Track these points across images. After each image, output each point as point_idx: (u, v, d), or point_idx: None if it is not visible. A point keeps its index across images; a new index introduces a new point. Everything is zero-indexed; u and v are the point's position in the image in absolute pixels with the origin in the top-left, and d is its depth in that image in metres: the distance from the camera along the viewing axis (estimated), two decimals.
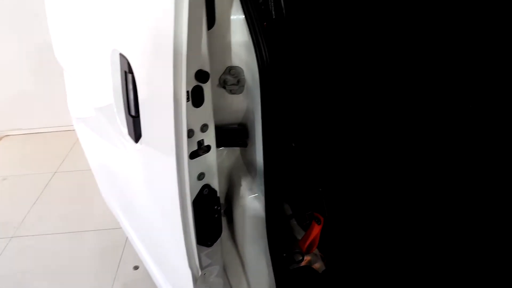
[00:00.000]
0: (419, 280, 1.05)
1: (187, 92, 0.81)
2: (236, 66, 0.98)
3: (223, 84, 1.00)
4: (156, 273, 1.28)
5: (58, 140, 3.38)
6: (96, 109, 1.21)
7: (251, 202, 1.12)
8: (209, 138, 0.90)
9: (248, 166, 1.12)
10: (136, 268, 2.05)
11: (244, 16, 0.93)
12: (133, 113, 0.94)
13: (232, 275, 1.19)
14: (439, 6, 1.17)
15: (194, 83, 0.83)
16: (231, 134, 1.09)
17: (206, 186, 0.92)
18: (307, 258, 1.15)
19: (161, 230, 1.04)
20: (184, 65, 0.78)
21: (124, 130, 1.01)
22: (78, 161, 2.97)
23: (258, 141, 1.04)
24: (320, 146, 1.05)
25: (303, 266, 1.16)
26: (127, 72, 0.89)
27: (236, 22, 0.94)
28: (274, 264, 1.11)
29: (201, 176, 0.91)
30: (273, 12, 0.97)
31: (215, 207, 0.95)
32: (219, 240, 1.02)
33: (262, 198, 1.08)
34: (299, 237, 1.19)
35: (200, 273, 1.00)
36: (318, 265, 1.16)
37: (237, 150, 1.15)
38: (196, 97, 0.84)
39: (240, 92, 1.01)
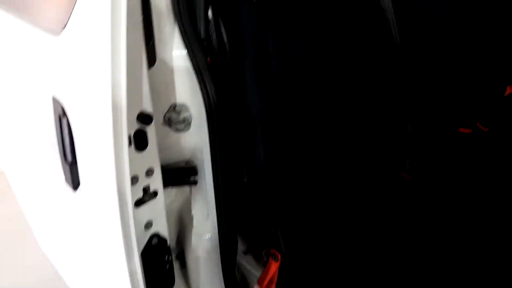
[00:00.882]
0: None
1: (129, 136, 0.76)
2: (181, 103, 0.94)
3: (168, 122, 0.95)
4: None
5: None
6: (31, 154, 1.11)
7: (204, 243, 1.06)
8: (156, 182, 0.84)
9: (200, 205, 1.07)
10: None
11: (186, 52, 0.89)
12: (69, 159, 0.86)
13: None
14: None
15: (136, 126, 0.77)
16: (180, 173, 1.04)
17: (155, 235, 0.86)
18: None
19: (106, 285, 0.96)
20: (124, 108, 0.72)
21: (62, 177, 0.93)
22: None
23: (208, 179, 0.99)
24: (275, 182, 1.02)
25: None
26: (62, 116, 0.82)
27: (179, 58, 0.90)
28: None
29: (148, 225, 0.84)
30: (216, 47, 0.94)
31: (166, 257, 0.88)
32: None
33: (216, 238, 1.03)
34: (258, 275, 1.14)
35: None
36: None
37: (187, 189, 1.09)
38: (139, 141, 0.79)
39: (187, 130, 0.97)
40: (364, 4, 1.17)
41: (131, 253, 0.80)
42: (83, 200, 0.88)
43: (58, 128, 0.84)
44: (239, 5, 0.94)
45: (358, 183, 1.18)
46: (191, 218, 1.09)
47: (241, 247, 1.24)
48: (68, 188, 0.93)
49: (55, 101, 0.83)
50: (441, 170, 1.35)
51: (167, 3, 0.87)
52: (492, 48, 1.65)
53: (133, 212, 0.79)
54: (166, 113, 0.94)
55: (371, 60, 1.18)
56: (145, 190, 0.82)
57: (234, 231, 1.07)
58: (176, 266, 1.05)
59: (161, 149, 0.88)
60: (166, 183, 0.94)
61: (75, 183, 0.89)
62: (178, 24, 0.88)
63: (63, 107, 0.81)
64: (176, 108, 0.95)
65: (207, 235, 1.06)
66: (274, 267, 1.05)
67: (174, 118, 0.95)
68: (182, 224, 1.11)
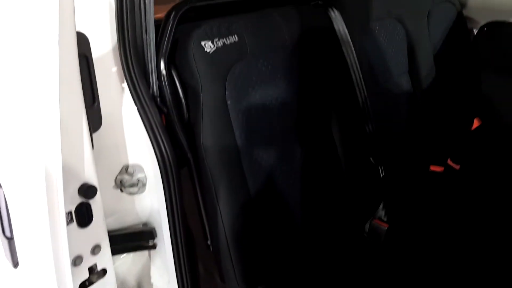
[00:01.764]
0: None
1: (69, 212, 0.67)
2: (134, 164, 0.87)
3: (120, 185, 0.87)
4: None
5: None
6: None
7: None
8: (104, 260, 0.75)
9: (160, 271, 0.98)
10: None
11: (137, 110, 0.83)
12: (8, 234, 0.76)
13: None
14: None
15: (78, 200, 0.69)
16: (137, 237, 0.95)
17: None
18: None
19: None
20: (59, 184, 0.64)
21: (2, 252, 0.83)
22: None
23: (167, 242, 0.91)
24: (243, 242, 0.95)
25: None
26: None
27: (129, 117, 0.83)
28: None
29: None
30: (171, 104, 0.88)
31: None
32: None
33: None
34: None
35: None
36: None
37: (145, 253, 1.00)
38: (82, 216, 0.70)
39: (142, 191, 0.89)
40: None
41: None
42: (24, 281, 0.78)
43: None
44: (194, 57, 0.88)
45: (327, 237, 1.11)
46: (151, 286, 0.99)
47: None
48: (9, 264, 0.83)
49: None
50: (415, 213, 1.31)
51: (113, 58, 0.81)
52: (457, 82, 1.66)
53: None
54: (117, 175, 0.87)
55: (338, 106, 1.14)
56: (91, 269, 0.73)
57: None
58: None
59: (114, 213, 0.80)
60: (122, 250, 0.86)
61: (14, 261, 0.79)
62: (127, 81, 0.82)
63: None
64: (129, 169, 0.87)
65: None
66: None
67: (127, 180, 0.88)
68: None
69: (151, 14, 0.82)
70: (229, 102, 0.91)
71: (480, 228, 1.22)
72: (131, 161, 0.87)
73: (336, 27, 1.15)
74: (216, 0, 0.96)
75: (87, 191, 0.69)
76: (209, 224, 0.94)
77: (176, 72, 0.89)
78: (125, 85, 0.82)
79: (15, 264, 0.80)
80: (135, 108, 0.83)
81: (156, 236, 0.95)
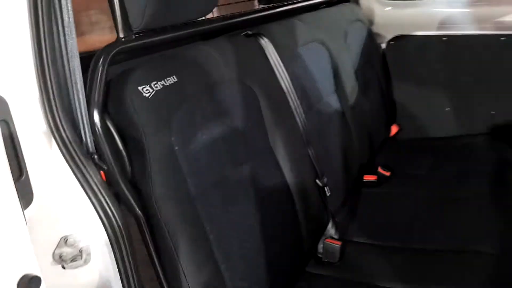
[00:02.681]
0: None
1: None
2: (72, 234, 0.75)
3: (59, 260, 0.75)
4: None
5: None
6: None
7: None
8: None
9: None
10: None
11: (72, 172, 0.72)
12: None
13: None
14: None
15: None
16: None
17: None
18: None
19: None
20: None
21: None
22: None
23: None
24: None
25: None
26: None
27: (64, 182, 0.72)
28: None
29: None
30: (111, 159, 0.78)
31: None
32: None
33: None
34: None
35: None
36: None
37: None
38: None
39: (86, 263, 0.78)
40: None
41: None
42: None
43: None
44: (133, 104, 0.80)
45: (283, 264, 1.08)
46: None
47: None
48: None
49: None
50: (361, 225, 1.34)
51: (38, 118, 0.70)
52: (375, 93, 1.77)
53: None
54: (55, 249, 0.74)
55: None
56: None
57: None
58: None
59: None
60: None
61: None
62: (56, 141, 0.71)
63: None
64: (68, 241, 0.75)
65: None
66: None
67: (68, 253, 0.75)
68: None
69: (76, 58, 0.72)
70: (176, 148, 0.83)
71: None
72: (70, 231, 0.75)
73: (268, 55, 1.14)
74: (145, 39, 0.88)
75: (30, 284, 0.58)
76: (170, 287, 0.84)
77: (111, 122, 0.80)
78: (54, 146, 0.71)
79: None
80: (70, 170, 0.72)
81: None
